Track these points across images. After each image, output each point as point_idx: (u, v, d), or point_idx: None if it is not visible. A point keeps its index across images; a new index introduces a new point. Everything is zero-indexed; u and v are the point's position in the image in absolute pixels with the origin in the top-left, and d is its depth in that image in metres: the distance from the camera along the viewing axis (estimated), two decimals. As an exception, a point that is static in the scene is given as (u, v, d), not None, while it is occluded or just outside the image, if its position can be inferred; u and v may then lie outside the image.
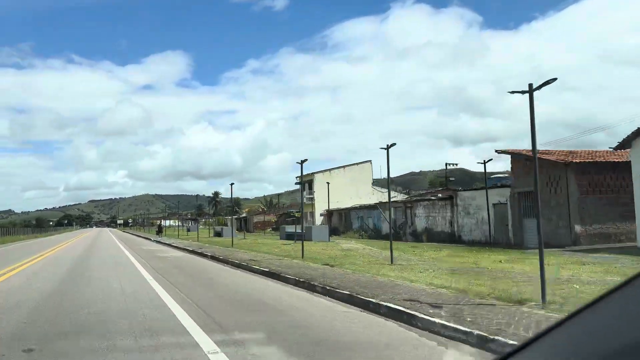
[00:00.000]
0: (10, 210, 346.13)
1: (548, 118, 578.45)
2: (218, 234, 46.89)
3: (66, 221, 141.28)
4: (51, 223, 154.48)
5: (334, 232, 40.02)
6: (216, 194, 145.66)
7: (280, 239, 34.14)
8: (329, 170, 57.30)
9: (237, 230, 48.74)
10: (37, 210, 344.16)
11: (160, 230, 57.11)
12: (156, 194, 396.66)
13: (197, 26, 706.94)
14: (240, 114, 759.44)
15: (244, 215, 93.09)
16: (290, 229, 34.01)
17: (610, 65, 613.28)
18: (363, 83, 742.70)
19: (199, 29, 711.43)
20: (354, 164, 59.41)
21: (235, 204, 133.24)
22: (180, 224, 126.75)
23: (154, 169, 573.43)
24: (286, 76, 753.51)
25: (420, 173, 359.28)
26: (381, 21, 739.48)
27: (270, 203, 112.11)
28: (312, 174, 55.26)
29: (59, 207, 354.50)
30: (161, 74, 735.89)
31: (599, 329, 1.08)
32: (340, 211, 47.81)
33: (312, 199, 54.92)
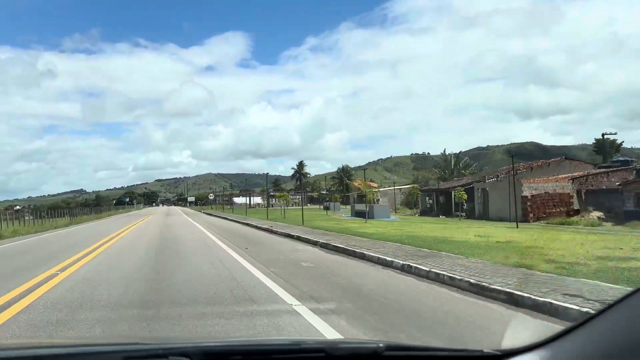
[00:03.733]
0: (82, 189, 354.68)
1: (625, 88, 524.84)
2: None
3: (128, 199, 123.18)
4: (114, 201, 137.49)
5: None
6: (301, 164, 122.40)
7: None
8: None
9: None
10: (107, 190, 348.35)
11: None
12: (218, 173, 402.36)
13: (256, 5, 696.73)
14: (299, 93, 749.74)
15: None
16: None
17: None
18: (425, 56, 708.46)
19: (259, 8, 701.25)
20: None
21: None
22: (261, 201, 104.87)
23: (217, 149, 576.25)
24: (345, 52, 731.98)
25: (488, 148, 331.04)
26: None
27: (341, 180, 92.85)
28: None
29: (127, 186, 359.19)
30: (222, 54, 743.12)
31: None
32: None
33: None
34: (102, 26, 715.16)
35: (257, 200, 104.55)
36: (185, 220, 33.04)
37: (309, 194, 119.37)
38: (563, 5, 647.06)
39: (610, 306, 1.23)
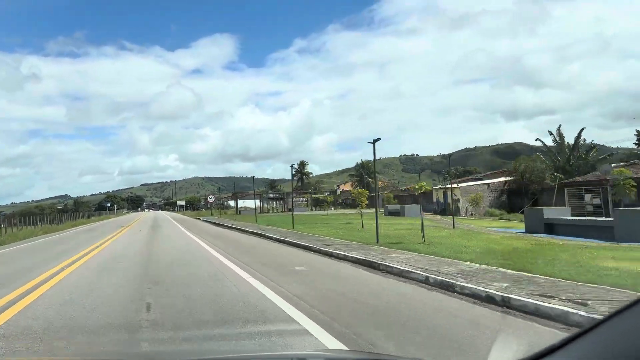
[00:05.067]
0: (66, 195, 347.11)
1: (610, 88, 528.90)
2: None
3: (109, 204, 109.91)
4: (95, 206, 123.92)
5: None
6: (302, 164, 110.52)
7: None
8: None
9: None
10: (92, 195, 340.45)
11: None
12: (205, 177, 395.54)
13: (243, 8, 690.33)
14: (287, 95, 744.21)
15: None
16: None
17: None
18: (412, 57, 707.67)
19: (246, 11, 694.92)
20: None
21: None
22: (259, 203, 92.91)
23: (204, 152, 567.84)
24: (332, 54, 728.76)
25: (476, 149, 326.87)
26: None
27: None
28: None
29: (113, 190, 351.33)
30: (209, 57, 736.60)
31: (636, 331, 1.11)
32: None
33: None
34: (87, 29, 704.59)
35: (257, 203, 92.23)
36: (188, 242, 18.83)
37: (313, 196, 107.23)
38: (549, 5, 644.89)
39: (607, 318, 1.16)
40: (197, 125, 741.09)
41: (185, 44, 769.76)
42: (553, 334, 4.66)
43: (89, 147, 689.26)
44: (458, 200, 33.69)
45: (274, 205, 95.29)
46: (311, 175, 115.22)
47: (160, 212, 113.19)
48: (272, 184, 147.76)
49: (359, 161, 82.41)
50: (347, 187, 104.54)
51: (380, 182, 60.96)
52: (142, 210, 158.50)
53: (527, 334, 4.81)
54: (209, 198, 50.30)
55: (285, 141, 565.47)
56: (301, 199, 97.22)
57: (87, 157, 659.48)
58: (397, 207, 38.73)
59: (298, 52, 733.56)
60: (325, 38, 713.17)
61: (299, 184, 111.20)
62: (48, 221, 43.68)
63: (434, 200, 41.88)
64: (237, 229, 26.02)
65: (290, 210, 54.98)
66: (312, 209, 75.04)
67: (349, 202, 71.48)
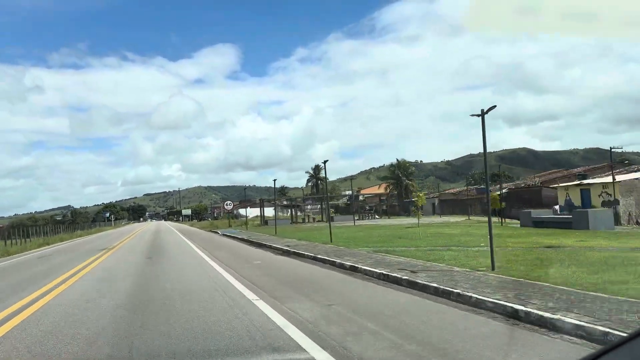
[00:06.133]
0: (69, 206, 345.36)
1: (609, 92, 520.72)
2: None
3: (108, 214, 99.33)
4: (93, 217, 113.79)
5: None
6: (317, 168, 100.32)
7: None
8: None
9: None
10: (95, 205, 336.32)
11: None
12: (208, 186, 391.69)
13: (245, 18, 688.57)
14: (289, 104, 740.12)
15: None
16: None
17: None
18: (413, 64, 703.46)
19: (247, 21, 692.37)
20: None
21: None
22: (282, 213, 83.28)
23: (207, 161, 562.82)
24: (334, 62, 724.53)
25: (479, 155, 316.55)
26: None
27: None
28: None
29: (116, 201, 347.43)
30: (211, 67, 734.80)
31: None
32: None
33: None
34: (89, 40, 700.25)
35: (270, 211, 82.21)
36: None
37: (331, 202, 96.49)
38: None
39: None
40: (199, 134, 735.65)
41: (187, 54, 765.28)
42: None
43: (92, 158, 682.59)
44: (613, 200, 23.67)
45: (290, 214, 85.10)
46: (328, 180, 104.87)
47: (163, 222, 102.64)
48: (282, 190, 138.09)
49: (394, 161, 70.67)
50: (371, 190, 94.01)
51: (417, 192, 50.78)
52: (144, 220, 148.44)
53: None
54: (226, 205, 39.39)
55: (287, 149, 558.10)
56: (318, 206, 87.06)
57: (90, 168, 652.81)
58: (554, 213, 26.15)
59: (300, 60, 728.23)
60: (326, 47, 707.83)
61: (314, 189, 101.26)
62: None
63: (562, 201, 31.01)
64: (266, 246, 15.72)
65: (324, 220, 44.56)
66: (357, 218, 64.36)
67: (387, 209, 61.06)
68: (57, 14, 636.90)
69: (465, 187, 65.72)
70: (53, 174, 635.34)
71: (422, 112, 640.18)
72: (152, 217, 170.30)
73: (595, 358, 1.20)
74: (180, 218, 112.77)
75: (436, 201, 55.41)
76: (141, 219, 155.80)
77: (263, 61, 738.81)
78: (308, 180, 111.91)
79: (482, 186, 46.97)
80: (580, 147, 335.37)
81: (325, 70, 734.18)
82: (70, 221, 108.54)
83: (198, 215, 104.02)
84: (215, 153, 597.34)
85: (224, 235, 29.77)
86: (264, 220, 42.69)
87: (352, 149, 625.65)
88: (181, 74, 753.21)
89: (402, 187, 63.22)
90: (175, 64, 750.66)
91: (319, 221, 43.00)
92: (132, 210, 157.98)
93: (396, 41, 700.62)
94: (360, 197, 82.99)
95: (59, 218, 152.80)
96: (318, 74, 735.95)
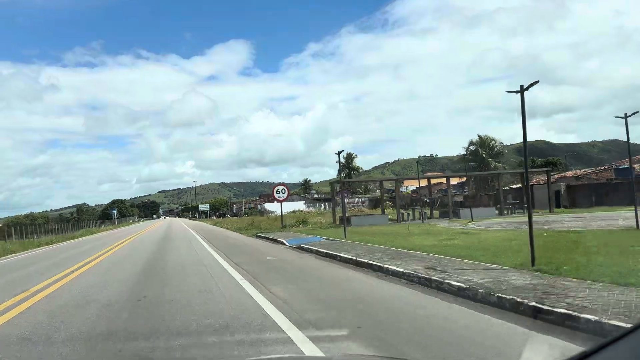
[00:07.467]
0: (84, 203, 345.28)
1: (628, 83, 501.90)
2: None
3: (115, 210, 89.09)
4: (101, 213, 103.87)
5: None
6: (350, 157, 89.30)
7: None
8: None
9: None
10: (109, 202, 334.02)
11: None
12: (222, 182, 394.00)
13: (257, 14, 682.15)
14: (302, 99, 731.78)
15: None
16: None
17: None
18: (427, 57, 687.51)
19: (260, 17, 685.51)
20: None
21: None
22: (304, 207, 72.93)
23: (220, 158, 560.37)
24: (347, 57, 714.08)
25: None
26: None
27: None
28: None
29: (131, 198, 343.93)
30: (225, 64, 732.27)
31: None
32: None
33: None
34: (103, 39, 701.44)
35: (300, 205, 71.81)
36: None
37: (360, 196, 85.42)
38: (568, 0, 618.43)
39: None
40: (212, 131, 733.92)
41: (200, 51, 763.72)
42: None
43: (107, 156, 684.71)
44: None
45: (322, 209, 74.61)
46: (361, 170, 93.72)
47: (177, 220, 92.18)
48: (306, 183, 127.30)
49: (475, 138, 56.23)
50: (415, 182, 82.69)
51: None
52: (158, 217, 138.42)
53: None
54: (277, 193, 26.40)
55: (300, 145, 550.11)
56: (356, 200, 76.25)
57: (105, 165, 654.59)
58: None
59: (312, 56, 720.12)
60: (339, 41, 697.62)
61: (346, 179, 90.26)
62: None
63: None
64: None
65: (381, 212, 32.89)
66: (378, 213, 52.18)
67: (465, 201, 47.08)
68: (71, 13, 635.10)
69: (607, 167, 46.30)
70: (69, 172, 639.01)
71: (437, 105, 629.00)
72: (166, 214, 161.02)
73: (596, 351, 1.16)
74: (197, 214, 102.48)
75: (562, 186, 39.38)
76: (154, 216, 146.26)
77: (275, 57, 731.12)
78: (340, 171, 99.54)
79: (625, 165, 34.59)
80: (599, 139, 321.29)
81: (338, 65, 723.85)
82: (76, 219, 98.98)
83: (216, 211, 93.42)
84: (228, 149, 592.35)
85: (318, 254, 13.79)
86: (336, 218, 29.47)
87: (366, 144, 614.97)
88: (194, 71, 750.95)
89: (487, 168, 49.48)
90: (189, 62, 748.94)
91: (412, 220, 29.92)
92: (144, 207, 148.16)
93: (410, 34, 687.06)
94: (405, 189, 71.38)
95: (67, 216, 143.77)
96: (331, 69, 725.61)
